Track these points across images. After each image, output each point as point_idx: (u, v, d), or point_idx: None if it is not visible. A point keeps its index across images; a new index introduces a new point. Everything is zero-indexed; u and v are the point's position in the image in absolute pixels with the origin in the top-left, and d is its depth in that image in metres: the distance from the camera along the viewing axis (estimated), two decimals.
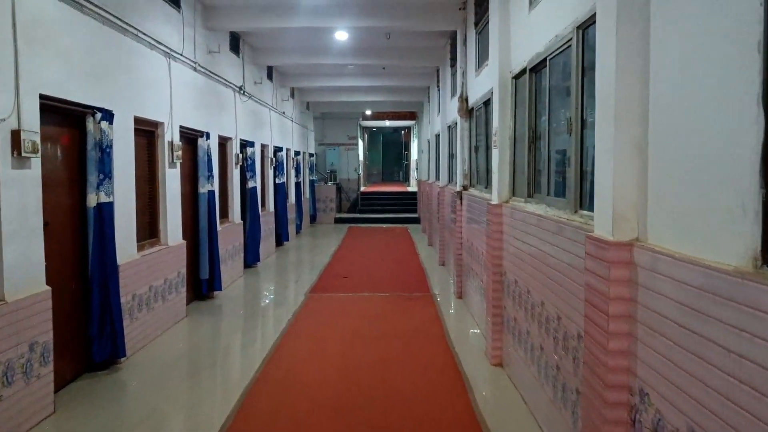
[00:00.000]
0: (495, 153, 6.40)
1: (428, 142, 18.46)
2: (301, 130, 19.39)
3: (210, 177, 9.34)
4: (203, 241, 9.20)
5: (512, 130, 6.13)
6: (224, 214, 10.82)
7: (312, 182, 21.86)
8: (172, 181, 7.98)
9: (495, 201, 6.34)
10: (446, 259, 12.21)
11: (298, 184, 18.41)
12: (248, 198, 12.18)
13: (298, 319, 8.24)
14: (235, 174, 11.17)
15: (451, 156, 12.25)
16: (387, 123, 29.48)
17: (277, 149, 15.36)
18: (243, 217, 11.94)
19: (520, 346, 5.47)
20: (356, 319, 8.24)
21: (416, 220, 22.32)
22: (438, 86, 14.54)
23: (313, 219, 22.02)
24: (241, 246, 11.53)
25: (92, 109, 5.86)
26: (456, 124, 11.08)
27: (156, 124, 7.63)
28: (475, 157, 8.89)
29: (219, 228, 9.98)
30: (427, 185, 17.63)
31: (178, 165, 8.21)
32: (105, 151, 5.93)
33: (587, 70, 3.98)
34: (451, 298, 9.59)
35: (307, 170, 21.06)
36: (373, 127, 36.96)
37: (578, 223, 3.84)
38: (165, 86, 7.80)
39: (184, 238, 8.46)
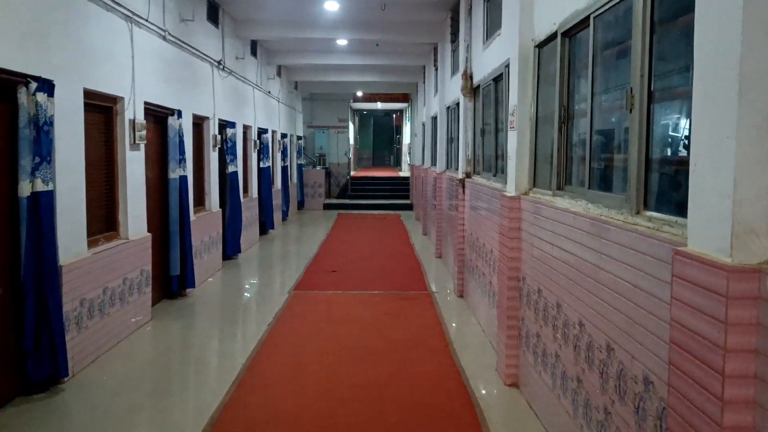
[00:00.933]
0: (511, 136, 5.40)
1: (423, 125, 17.43)
2: (288, 111, 18.31)
3: (182, 161, 8.30)
4: (173, 233, 8.17)
5: (534, 108, 5.13)
6: (200, 201, 9.77)
7: (300, 166, 20.80)
8: (134, 165, 6.93)
9: (511, 192, 5.35)
10: (444, 251, 11.23)
11: (284, 169, 17.36)
12: (228, 184, 11.14)
13: (278, 325, 7.25)
14: (213, 157, 10.11)
15: (450, 140, 11.24)
16: (379, 105, 28.39)
17: (262, 131, 14.29)
18: (222, 205, 10.90)
19: (545, 369, 4.51)
20: (344, 325, 7.25)
21: (409, 207, 21.33)
22: (435, 65, 13.49)
23: (300, 205, 20.98)
24: (220, 237, 10.49)
25: (26, 78, 4.81)
26: (457, 105, 10.06)
27: (114, 99, 6.57)
28: (481, 141, 7.88)
29: (193, 218, 8.94)
30: (422, 171, 16.62)
31: (142, 147, 7.15)
32: (42, 130, 4.88)
33: (659, 24, 2.98)
34: (452, 298, 8.63)
35: (295, 154, 19.99)
36: (364, 110, 35.85)
37: (647, 229, 2.86)
38: (125, 56, 6.73)
39: (150, 231, 7.43)
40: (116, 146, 6.62)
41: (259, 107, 13.79)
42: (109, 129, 6.56)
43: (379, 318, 7.53)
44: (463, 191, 8.47)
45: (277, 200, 16.22)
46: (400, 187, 23.81)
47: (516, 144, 5.25)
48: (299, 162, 20.72)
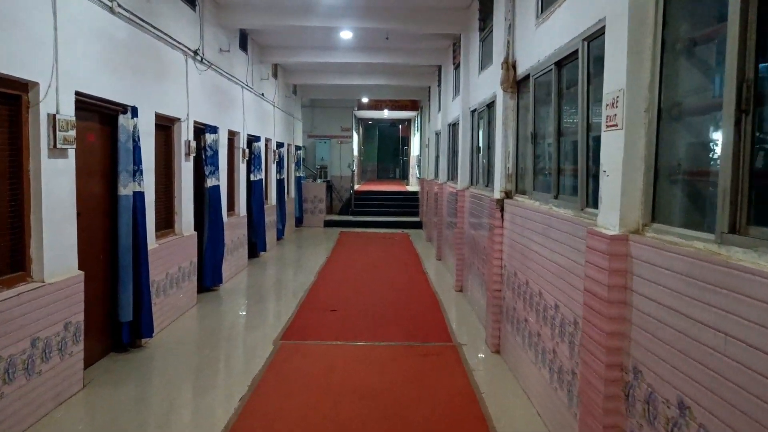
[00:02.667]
0: (611, 140, 3.45)
1: (436, 134, 15.51)
2: (285, 117, 16.41)
3: (137, 173, 6.37)
4: (123, 268, 6.22)
5: (656, 93, 3.19)
6: (167, 223, 7.83)
7: (298, 179, 18.87)
8: (56, 178, 5.00)
9: (610, 229, 3.40)
10: (467, 284, 9.26)
11: (280, 182, 15.44)
12: (207, 200, 9.20)
13: (254, 403, 5.28)
14: (185, 168, 8.18)
15: (477, 150, 9.30)
16: (385, 114, 26.49)
17: (253, 139, 12.37)
18: (199, 227, 8.95)
19: None
20: (347, 402, 5.26)
21: (418, 225, 19.37)
22: (455, 62, 11.58)
23: (299, 222, 19.04)
24: (194, 266, 8.52)
25: None
26: (488, 106, 8.13)
27: (23, 85, 4.65)
28: (531, 149, 5.93)
29: (154, 245, 7.00)
30: (435, 186, 14.68)
31: (71, 154, 5.22)
32: None
33: None
34: (485, 354, 6.65)
35: (293, 165, 18.07)
36: (369, 120, 34.04)
37: None
38: (44, 25, 4.82)
39: (86, 266, 5.49)
40: (25, 151, 4.69)
41: (249, 111, 11.88)
42: (15, 131, 4.64)
43: (394, 388, 5.54)
44: (502, 216, 6.52)
45: (271, 217, 14.28)
46: (408, 203, 21.86)
47: (621, 152, 3.31)
48: (298, 174, 18.80)
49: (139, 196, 6.40)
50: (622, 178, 3.29)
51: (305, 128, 21.62)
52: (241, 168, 11.46)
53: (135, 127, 6.37)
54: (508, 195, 6.56)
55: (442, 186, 12.95)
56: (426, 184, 17.92)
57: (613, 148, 3.41)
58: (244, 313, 8.45)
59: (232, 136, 10.99)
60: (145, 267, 6.50)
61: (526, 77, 6.07)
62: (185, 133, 8.13)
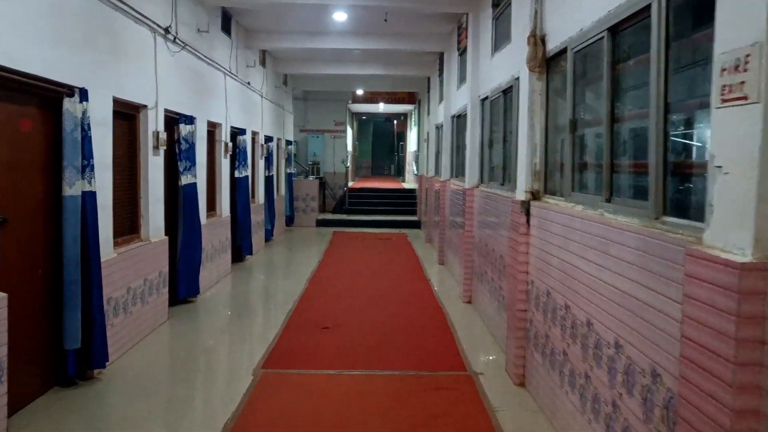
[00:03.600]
0: (729, 118, 2.34)
1: (436, 128, 14.41)
2: (275, 110, 15.26)
3: (88, 168, 5.24)
4: (70, 284, 5.09)
5: None
6: (130, 228, 6.69)
7: (289, 176, 17.73)
8: None
9: (736, 253, 2.30)
10: (477, 296, 8.16)
11: (269, 179, 14.29)
12: (182, 200, 8.06)
13: None
14: (153, 164, 7.04)
15: (488, 144, 8.19)
16: (381, 108, 25.37)
17: (238, 131, 11.23)
18: (172, 231, 7.82)
19: None
20: None
21: (416, 225, 18.27)
22: (460, 46, 10.47)
23: (289, 221, 17.90)
24: (164, 277, 7.38)
25: None
26: (504, 92, 7.02)
27: None
28: (569, 141, 4.80)
29: (111, 255, 5.87)
30: (435, 183, 13.57)
31: None
32: None
33: None
34: (507, 386, 5.55)
35: (283, 161, 16.92)
36: (363, 115, 32.93)
37: None
38: None
39: (9, 288, 4.35)
40: None
41: (233, 101, 10.73)
42: None
43: None
44: (527, 221, 5.42)
45: (258, 217, 13.15)
46: (405, 202, 20.74)
47: (753, 137, 2.20)
48: (289, 171, 17.66)
49: (89, 197, 5.27)
50: (758, 177, 2.19)
51: (297, 122, 20.47)
52: (224, 164, 10.31)
53: (84, 113, 5.23)
54: (535, 196, 5.45)
55: (444, 184, 11.84)
56: (425, 182, 16.81)
57: (736, 133, 2.30)
58: (221, 333, 7.30)
59: (213, 128, 9.84)
60: (97, 282, 5.36)
61: (560, 53, 4.96)
62: (153, 123, 6.99)
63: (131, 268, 6.34)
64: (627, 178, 3.88)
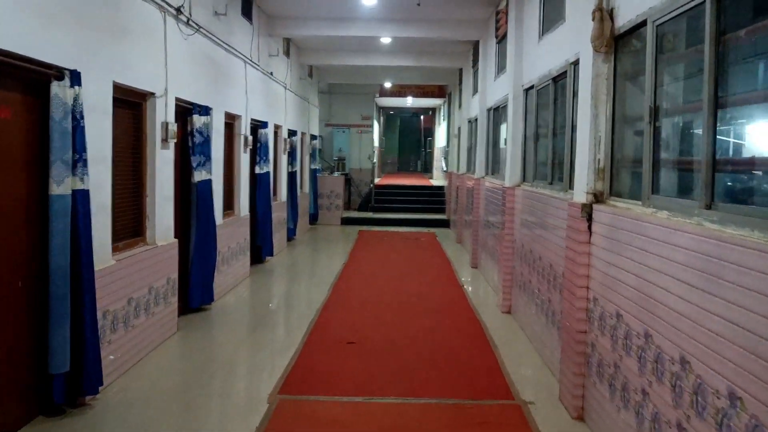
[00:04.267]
0: None
1: (469, 122, 13.59)
2: (299, 103, 14.55)
3: (80, 163, 4.54)
4: (57, 299, 4.38)
5: None
6: (134, 231, 5.99)
7: (314, 172, 17.03)
8: None
9: None
10: (518, 306, 7.34)
11: (292, 175, 13.59)
12: (195, 199, 7.36)
13: None
14: (162, 158, 6.33)
15: (533, 138, 7.36)
16: (409, 102, 24.55)
17: (259, 124, 10.52)
18: (181, 234, 7.12)
19: None
20: None
21: (445, 224, 17.46)
22: (500, 33, 9.62)
23: (313, 219, 17.19)
24: (173, 284, 6.66)
25: None
26: (555, 79, 6.19)
27: None
28: (649, 132, 3.94)
29: (108, 263, 5.17)
30: (469, 180, 12.76)
31: None
32: None
33: None
34: (563, 419, 4.74)
35: (308, 157, 16.21)
36: (390, 110, 32.16)
37: None
38: None
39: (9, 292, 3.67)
40: None
41: (254, 91, 10.02)
42: None
43: None
44: (589, 228, 4.61)
45: (280, 215, 12.45)
46: (434, 199, 19.92)
47: None
48: (313, 167, 16.96)
49: (81, 197, 4.56)
50: None
51: (322, 116, 19.77)
52: (243, 159, 9.60)
53: (77, 99, 4.52)
54: (598, 198, 4.63)
55: (478, 181, 11.02)
56: (455, 179, 15.99)
57: None
58: (235, 348, 6.56)
59: (232, 120, 9.13)
60: (90, 295, 4.66)
61: (635, 28, 4.14)
62: (162, 113, 6.28)
63: (134, 276, 5.64)
64: (737, 179, 3.06)
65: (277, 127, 12.12)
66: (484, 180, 10.78)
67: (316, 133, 17.69)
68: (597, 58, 4.62)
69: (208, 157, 7.53)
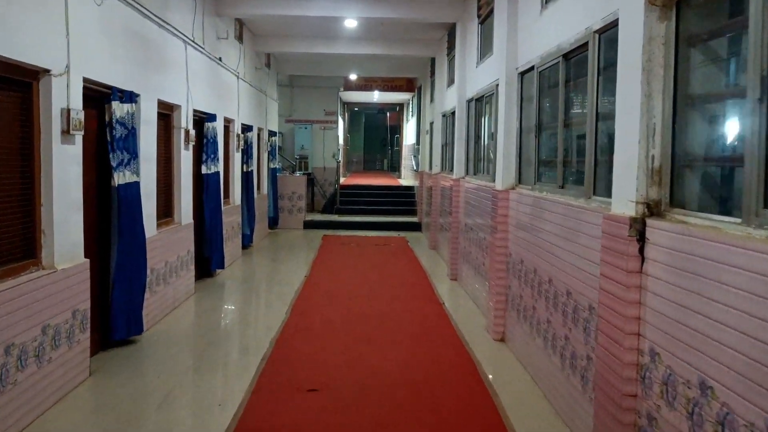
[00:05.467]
0: None
1: (444, 117, 12.31)
2: (255, 95, 13.08)
3: None
4: None
5: None
6: (23, 252, 4.52)
7: (273, 171, 15.56)
8: None
9: None
10: (514, 333, 6.04)
11: (247, 175, 12.12)
12: (117, 207, 5.89)
13: None
14: (64, 156, 4.86)
15: (534, 131, 6.05)
16: (375, 96, 23.20)
17: (205, 117, 9.07)
18: (101, 250, 5.66)
19: None
20: None
21: (416, 227, 16.15)
22: (482, 13, 8.35)
23: (273, 223, 15.72)
24: (85, 316, 5.17)
25: None
26: (566, 56, 4.89)
27: None
28: (758, 110, 2.66)
29: None
30: (445, 181, 11.50)
31: None
32: None
33: None
34: None
35: (266, 155, 14.74)
36: (355, 106, 30.78)
37: None
38: None
39: None
40: None
41: (198, 78, 8.56)
42: None
43: None
44: (641, 253, 3.31)
45: (233, 221, 10.99)
46: (404, 200, 18.62)
47: None
48: (273, 166, 15.50)
49: None
50: None
51: (282, 111, 18.33)
52: (185, 156, 8.13)
53: None
54: (653, 210, 3.35)
55: (457, 182, 9.73)
56: (428, 179, 14.70)
57: None
58: (159, 404, 5.04)
59: (169, 110, 7.67)
60: None
61: None
62: (62, 98, 4.82)
63: (17, 315, 4.17)
64: None
65: (228, 121, 10.66)
66: (463, 181, 9.50)
67: (275, 129, 16.23)
68: (650, 15, 3.33)
69: (134, 155, 6.07)
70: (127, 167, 5.96)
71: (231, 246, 10.71)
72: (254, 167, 12.86)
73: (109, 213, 5.91)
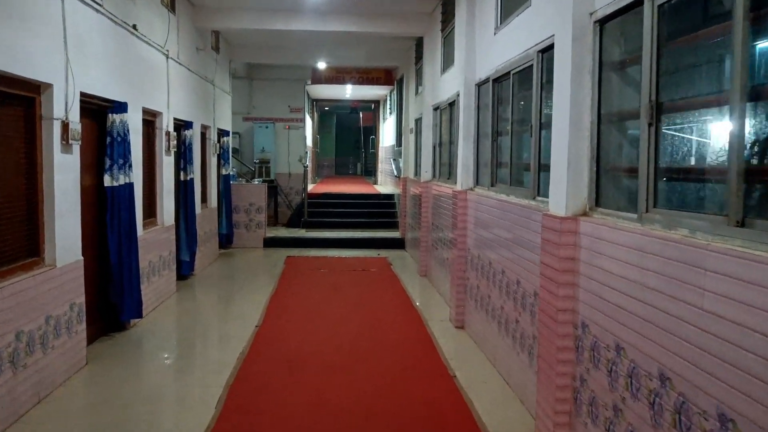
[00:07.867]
0: None
1: (435, 110, 9.70)
2: (197, 83, 10.35)
3: None
4: None
5: None
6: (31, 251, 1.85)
7: (226, 179, 12.82)
8: None
9: None
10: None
11: (185, 185, 9.38)
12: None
13: None
14: (65, 164, 2.17)
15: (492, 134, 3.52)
16: (348, 92, 20.52)
17: (109, 106, 6.33)
18: (95, 249, 2.99)
19: None
20: None
21: (398, 243, 13.53)
22: None
23: (227, 241, 12.97)
24: (80, 307, 2.51)
25: None
26: (609, 17, 2.42)
27: None
28: None
29: None
30: (438, 188, 8.90)
31: None
32: None
33: None
34: None
35: (215, 159, 11.99)
36: (325, 104, 28.13)
37: None
38: None
39: None
40: None
41: (91, 48, 5.82)
42: None
43: None
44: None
45: (162, 251, 8.24)
46: (383, 211, 16.00)
47: None
48: (226, 173, 12.76)
49: None
50: None
51: (239, 107, 15.62)
52: (67, 162, 5.36)
53: None
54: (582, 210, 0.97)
55: (463, 194, 7.09)
56: (413, 186, 12.10)
57: None
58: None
59: (34, 92, 4.91)
60: None
61: None
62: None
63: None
64: None
65: (151, 115, 7.92)
66: (468, 193, 6.91)
67: (228, 128, 13.47)
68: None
69: None
70: None
71: (155, 286, 7.93)
72: (196, 174, 10.12)
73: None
